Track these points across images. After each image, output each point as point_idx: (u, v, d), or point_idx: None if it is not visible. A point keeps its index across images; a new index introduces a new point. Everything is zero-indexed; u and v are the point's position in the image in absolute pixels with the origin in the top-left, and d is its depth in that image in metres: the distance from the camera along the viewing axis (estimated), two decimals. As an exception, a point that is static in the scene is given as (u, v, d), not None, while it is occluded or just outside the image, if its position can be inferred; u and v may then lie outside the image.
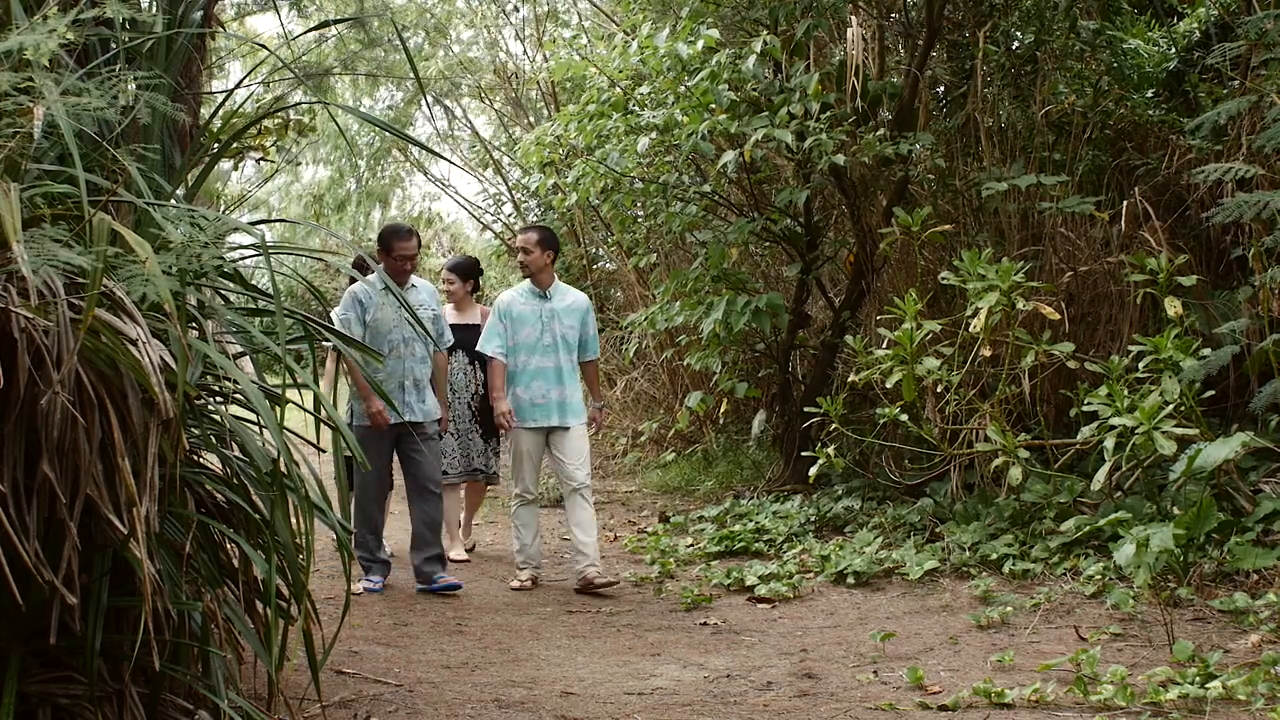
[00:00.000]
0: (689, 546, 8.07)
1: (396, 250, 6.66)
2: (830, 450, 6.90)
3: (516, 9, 15.27)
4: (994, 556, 6.57)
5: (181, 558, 3.40)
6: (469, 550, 8.29)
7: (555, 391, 6.81)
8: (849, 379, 7.30)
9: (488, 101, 16.66)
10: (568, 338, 6.87)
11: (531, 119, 15.58)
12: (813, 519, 8.13)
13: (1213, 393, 6.16)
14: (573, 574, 6.99)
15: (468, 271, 8.16)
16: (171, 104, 3.55)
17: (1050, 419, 7.14)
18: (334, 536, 3.83)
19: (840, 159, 7.55)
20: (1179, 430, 5.66)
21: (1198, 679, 4.41)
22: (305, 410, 3.75)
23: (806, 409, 7.55)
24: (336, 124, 8.76)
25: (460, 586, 6.80)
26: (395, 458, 6.95)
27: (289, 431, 3.58)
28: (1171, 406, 5.71)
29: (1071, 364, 6.51)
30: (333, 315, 7.69)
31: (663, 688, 5.01)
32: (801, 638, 5.88)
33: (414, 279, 6.83)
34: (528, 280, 6.97)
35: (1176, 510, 5.89)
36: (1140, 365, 6.00)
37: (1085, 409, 6.07)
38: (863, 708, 4.65)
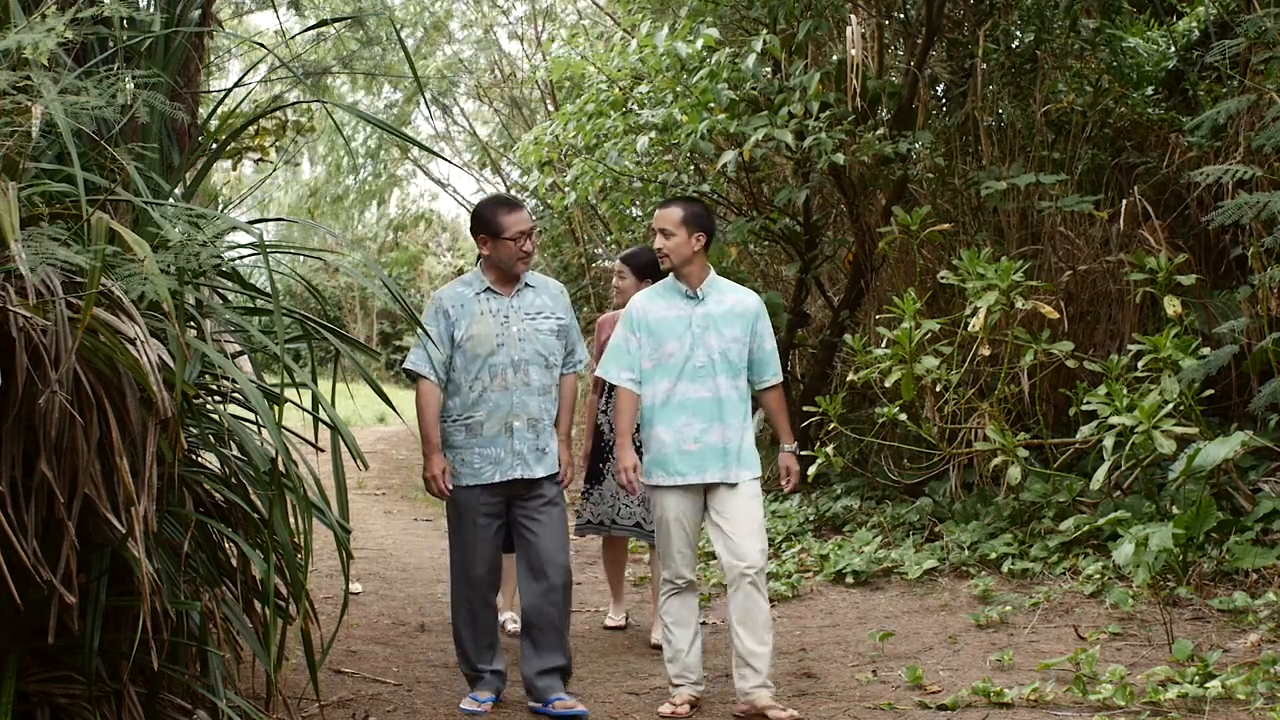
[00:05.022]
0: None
1: (509, 227, 4.72)
2: (829, 449, 6.90)
3: (515, 7, 15.28)
4: (993, 556, 6.57)
5: (180, 557, 3.40)
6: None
7: (715, 432, 4.73)
8: (848, 378, 7.29)
9: (486, 101, 16.66)
10: (729, 355, 4.77)
11: (528, 114, 15.58)
12: (811, 518, 8.13)
13: (1212, 392, 6.16)
14: (736, 693, 4.73)
15: (644, 266, 5.89)
16: (170, 103, 3.55)
17: (1049, 418, 7.13)
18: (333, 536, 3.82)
19: (840, 158, 7.55)
20: (1178, 429, 5.66)
21: (1197, 678, 4.41)
22: (304, 409, 3.75)
23: (805, 408, 7.54)
24: (335, 123, 8.68)
25: (585, 717, 4.66)
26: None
27: (287, 431, 3.58)
28: (1171, 406, 5.71)
29: (1071, 363, 6.51)
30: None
31: (662, 687, 5.00)
32: (800, 637, 5.88)
33: (533, 275, 4.91)
34: (670, 275, 4.94)
35: (1176, 509, 5.89)
36: (1140, 364, 6.00)
37: (1084, 408, 6.07)
38: (862, 707, 4.65)
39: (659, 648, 5.49)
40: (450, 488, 4.70)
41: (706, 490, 4.75)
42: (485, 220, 4.78)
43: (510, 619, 5.92)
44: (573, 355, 4.96)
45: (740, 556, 4.63)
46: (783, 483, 4.95)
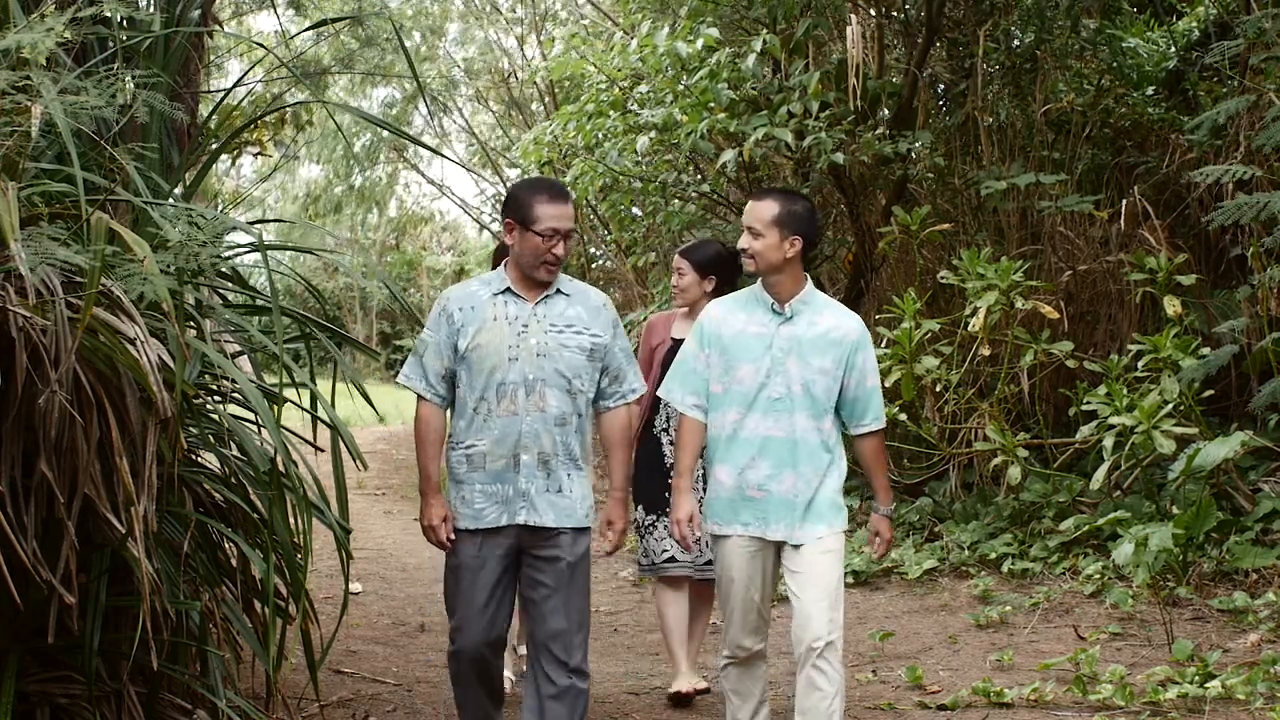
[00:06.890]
0: (688, 546, 8.06)
1: (543, 218, 3.74)
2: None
3: (514, 9, 15.28)
4: (993, 556, 6.57)
5: (180, 557, 3.40)
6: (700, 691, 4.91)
7: (786, 479, 3.84)
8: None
9: (485, 102, 16.66)
10: (813, 388, 3.84)
11: (527, 116, 15.58)
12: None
13: (1212, 392, 6.16)
14: None
15: (710, 262, 4.85)
16: (169, 103, 3.55)
17: (1049, 418, 7.13)
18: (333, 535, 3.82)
19: (839, 158, 7.55)
20: (1178, 429, 5.66)
21: (1197, 678, 4.41)
22: (303, 409, 3.75)
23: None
24: (335, 123, 8.69)
25: None
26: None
27: (287, 430, 3.58)
28: (1171, 406, 5.72)
29: (1071, 363, 6.51)
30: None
31: (662, 687, 5.01)
32: (800, 637, 5.87)
33: (571, 282, 3.94)
34: (758, 284, 3.98)
35: (1176, 509, 5.89)
36: (1139, 364, 6.00)
37: (1084, 408, 6.07)
38: (862, 707, 4.65)
39: (686, 694, 4.83)
40: (452, 537, 3.76)
41: (777, 547, 3.89)
42: (519, 203, 3.79)
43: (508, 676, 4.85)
44: (621, 383, 3.94)
45: (805, 627, 3.80)
46: (869, 549, 3.96)
